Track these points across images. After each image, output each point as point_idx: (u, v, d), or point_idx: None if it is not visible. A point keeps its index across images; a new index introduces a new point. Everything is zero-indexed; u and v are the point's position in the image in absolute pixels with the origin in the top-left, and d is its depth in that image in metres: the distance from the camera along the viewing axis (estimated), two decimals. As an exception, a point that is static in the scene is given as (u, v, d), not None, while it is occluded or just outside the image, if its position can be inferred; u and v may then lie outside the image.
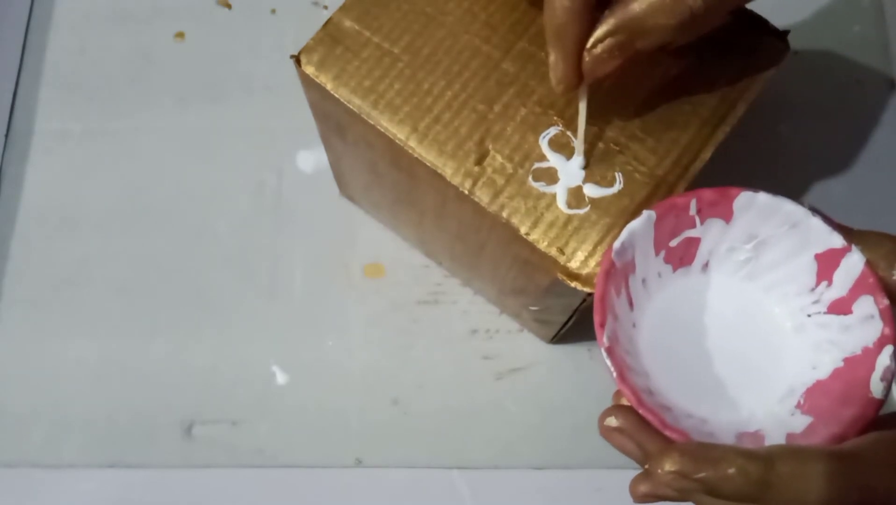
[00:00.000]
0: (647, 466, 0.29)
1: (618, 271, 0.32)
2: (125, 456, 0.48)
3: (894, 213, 0.52)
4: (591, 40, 0.32)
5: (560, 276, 0.34)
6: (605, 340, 0.30)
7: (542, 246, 0.34)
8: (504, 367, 0.50)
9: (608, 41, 0.32)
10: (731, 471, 0.26)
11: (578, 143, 0.35)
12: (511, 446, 0.48)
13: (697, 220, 0.33)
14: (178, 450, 0.48)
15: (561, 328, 0.45)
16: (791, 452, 0.26)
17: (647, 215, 0.32)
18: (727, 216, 0.33)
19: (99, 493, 0.48)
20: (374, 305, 0.51)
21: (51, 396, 0.49)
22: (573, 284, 0.34)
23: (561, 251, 0.34)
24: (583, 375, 0.50)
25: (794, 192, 0.53)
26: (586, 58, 0.33)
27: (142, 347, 0.50)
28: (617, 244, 0.32)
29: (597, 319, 0.31)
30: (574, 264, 0.34)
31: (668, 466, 0.27)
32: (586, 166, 0.35)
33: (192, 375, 0.50)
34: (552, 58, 0.33)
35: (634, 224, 0.32)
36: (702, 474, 0.26)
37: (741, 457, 0.26)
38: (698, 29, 0.32)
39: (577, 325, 0.43)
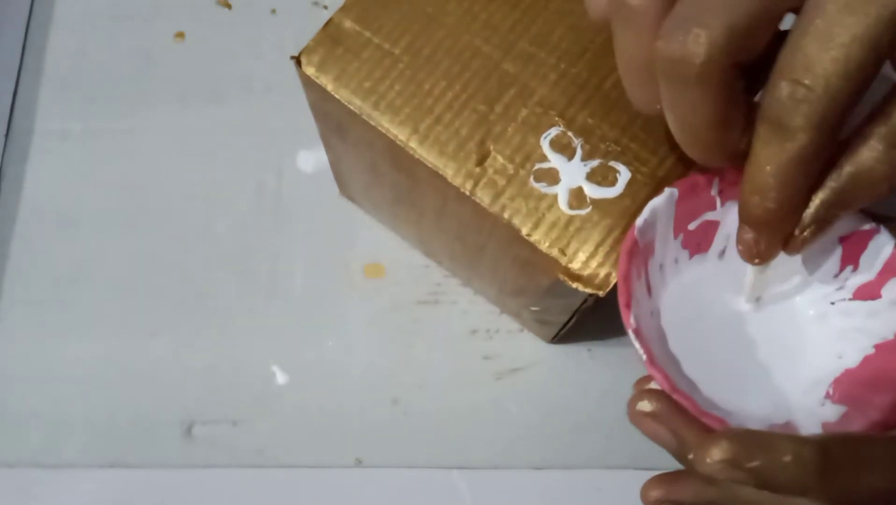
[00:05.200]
0: (690, 457, 0.27)
1: (639, 252, 0.31)
2: (125, 456, 0.48)
3: (894, 213, 0.52)
4: (805, 222, 0.27)
5: (561, 276, 0.34)
6: (631, 321, 0.29)
7: (544, 247, 0.34)
8: (504, 367, 0.50)
9: (822, 218, 0.27)
10: (787, 458, 0.24)
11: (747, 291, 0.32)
12: (511, 446, 0.48)
13: (718, 201, 0.32)
14: (178, 450, 0.48)
15: (561, 328, 0.45)
16: (844, 438, 0.25)
17: (670, 192, 0.31)
18: None
19: (99, 493, 0.48)
20: (374, 305, 0.51)
21: (51, 396, 0.49)
22: (574, 285, 0.34)
23: (562, 252, 0.34)
24: (583, 374, 0.50)
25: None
26: (797, 235, 0.28)
27: (142, 347, 0.50)
28: (640, 221, 0.31)
29: (622, 299, 0.29)
30: (575, 265, 0.34)
31: (717, 454, 0.24)
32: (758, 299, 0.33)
33: (192, 375, 0.50)
34: (749, 236, 0.29)
35: (657, 201, 0.31)
36: (755, 463, 0.24)
37: (795, 443, 0.24)
38: None
39: (577, 325, 0.43)
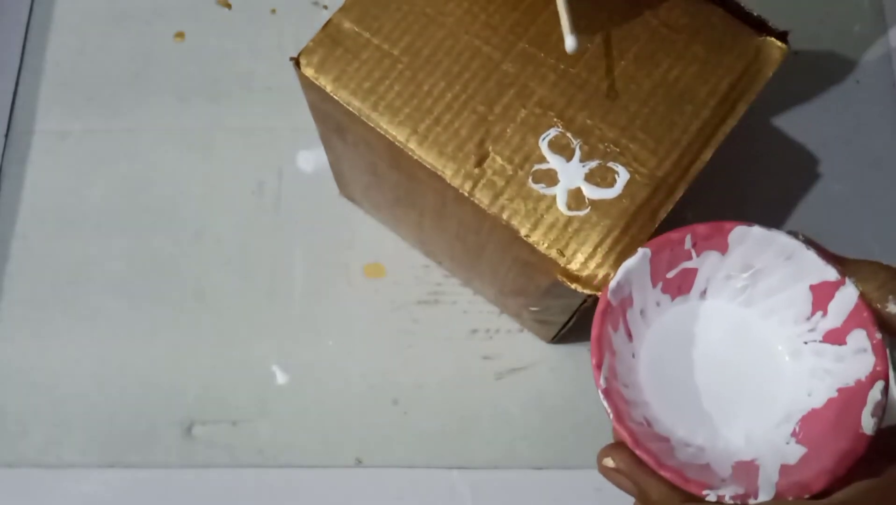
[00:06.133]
0: None
1: (615, 309, 0.32)
2: (125, 456, 0.48)
3: (894, 213, 0.52)
4: None
5: (560, 277, 0.34)
6: (601, 381, 0.31)
7: (543, 248, 0.34)
8: (504, 367, 0.50)
9: None
10: None
11: (565, 23, 0.34)
12: (511, 446, 0.48)
13: (693, 252, 0.33)
14: (178, 450, 0.48)
15: (561, 328, 0.45)
16: None
17: (643, 253, 0.32)
18: (723, 248, 0.33)
19: (99, 493, 0.48)
20: (374, 305, 0.51)
21: (51, 396, 0.49)
22: (573, 286, 0.34)
23: (561, 253, 0.34)
24: (583, 374, 0.50)
25: (794, 192, 0.54)
26: None
27: (142, 347, 0.50)
28: (613, 284, 0.32)
29: (594, 360, 0.31)
30: (574, 266, 0.34)
31: None
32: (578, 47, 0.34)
33: (192, 375, 0.50)
34: None
35: (630, 262, 0.32)
36: None
37: None
38: None
39: (577, 324, 0.43)
